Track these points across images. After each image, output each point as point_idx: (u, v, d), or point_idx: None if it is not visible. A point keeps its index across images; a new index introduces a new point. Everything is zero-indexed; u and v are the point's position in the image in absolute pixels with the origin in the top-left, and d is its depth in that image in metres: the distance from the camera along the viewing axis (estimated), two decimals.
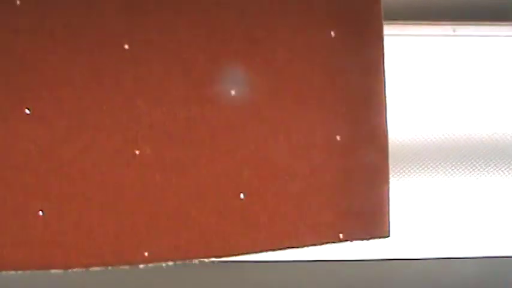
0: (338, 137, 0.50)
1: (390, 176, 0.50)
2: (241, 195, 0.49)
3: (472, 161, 0.63)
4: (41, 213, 0.49)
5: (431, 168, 0.60)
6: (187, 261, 0.49)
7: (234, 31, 0.48)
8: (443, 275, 0.62)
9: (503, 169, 0.64)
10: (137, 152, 0.49)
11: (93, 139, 0.48)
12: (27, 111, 0.48)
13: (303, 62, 0.49)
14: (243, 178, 0.49)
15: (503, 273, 0.65)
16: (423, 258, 0.61)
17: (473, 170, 0.63)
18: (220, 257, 0.49)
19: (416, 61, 0.59)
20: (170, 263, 0.49)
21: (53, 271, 0.48)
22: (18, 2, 0.47)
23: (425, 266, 0.62)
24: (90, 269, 0.48)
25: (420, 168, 0.60)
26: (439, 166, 0.61)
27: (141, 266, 0.49)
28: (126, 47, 0.48)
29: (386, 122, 0.50)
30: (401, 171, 0.58)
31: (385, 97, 0.50)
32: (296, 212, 0.50)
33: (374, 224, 0.50)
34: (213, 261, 0.49)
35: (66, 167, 0.48)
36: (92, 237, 0.49)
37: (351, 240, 0.50)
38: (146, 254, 0.49)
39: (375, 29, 0.49)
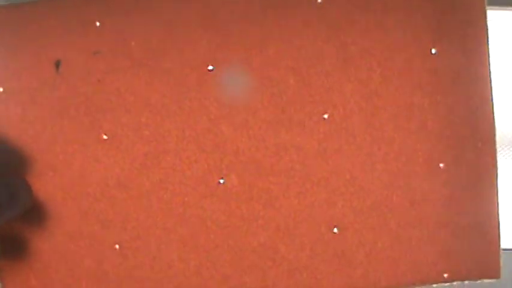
0: (441, 165, 0.45)
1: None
2: (335, 229, 0.45)
3: None
4: (117, 246, 0.45)
5: None
6: None
7: (325, 49, 0.44)
8: None
9: None
10: (222, 181, 0.45)
11: (174, 167, 0.45)
12: (104, 136, 0.45)
13: (402, 82, 0.45)
14: (336, 210, 0.45)
15: None
16: None
17: None
18: None
19: None
20: None
21: None
22: (97, 23, 0.45)
23: None
24: None
25: None
26: None
27: None
28: (210, 67, 0.44)
29: (494, 146, 0.45)
30: None
31: (493, 119, 0.45)
32: (395, 248, 0.45)
33: (483, 263, 0.45)
34: None
35: (145, 197, 0.45)
36: (171, 273, 0.45)
37: (458, 281, 0.45)
38: None
39: (479, 43, 0.45)
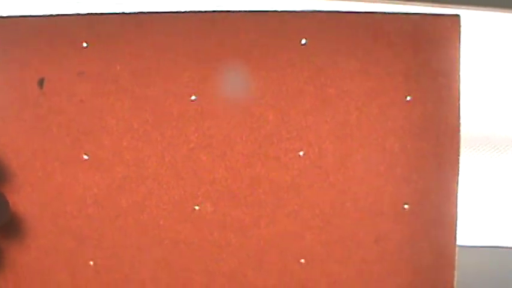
0: (406, 206, 0.47)
1: None
2: (302, 260, 0.47)
3: None
4: (91, 262, 0.47)
5: None
6: None
7: (305, 89, 0.46)
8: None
9: None
10: (197, 208, 0.46)
11: (151, 191, 0.46)
12: (85, 156, 0.46)
13: (376, 127, 0.47)
14: (304, 242, 0.47)
15: None
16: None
17: None
18: None
19: None
20: None
21: None
22: (84, 44, 0.45)
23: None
24: None
25: None
26: None
27: None
28: (193, 98, 0.46)
29: (456, 193, 0.48)
30: None
31: (459, 167, 0.48)
32: (358, 280, 0.48)
33: None
34: None
35: (121, 218, 0.46)
36: None
37: None
38: None
39: (451, 93, 0.47)
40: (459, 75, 0.47)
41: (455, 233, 0.48)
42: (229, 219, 0.47)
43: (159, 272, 0.47)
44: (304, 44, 0.46)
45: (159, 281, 0.47)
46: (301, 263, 0.47)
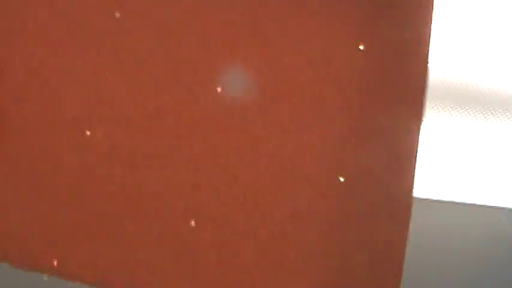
0: (341, 179, 0.36)
1: None
2: (192, 222, 0.36)
3: None
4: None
5: None
6: None
7: (240, 18, 0.38)
8: None
9: None
10: (88, 133, 0.39)
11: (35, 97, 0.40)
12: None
13: (317, 74, 0.37)
14: (200, 199, 0.37)
15: None
16: None
17: None
18: None
19: None
20: None
21: None
22: None
23: None
24: None
25: None
26: None
27: None
28: (117, 15, 0.40)
29: (414, 168, 0.35)
30: None
31: (417, 140, 0.36)
32: (257, 258, 0.35)
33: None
34: None
35: None
36: None
37: None
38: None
39: (419, 48, 0.37)
40: (430, 26, 0.37)
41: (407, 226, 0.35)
42: (119, 151, 0.38)
43: (28, 202, 0.38)
44: None
45: (26, 212, 0.38)
46: (190, 225, 0.37)
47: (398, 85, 0.36)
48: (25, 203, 0.39)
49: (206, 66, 0.38)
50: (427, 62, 0.37)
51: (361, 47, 0.37)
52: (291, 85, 0.37)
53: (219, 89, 0.38)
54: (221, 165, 0.37)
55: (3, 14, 0.41)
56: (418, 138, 0.36)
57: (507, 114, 0.60)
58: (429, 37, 0.37)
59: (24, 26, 0.41)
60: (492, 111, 0.61)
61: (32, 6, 0.41)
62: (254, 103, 0.37)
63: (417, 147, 0.36)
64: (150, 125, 0.38)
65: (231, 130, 0.37)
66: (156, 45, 0.39)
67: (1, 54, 0.41)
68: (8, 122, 0.40)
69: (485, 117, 0.61)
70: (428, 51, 0.37)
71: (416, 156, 0.35)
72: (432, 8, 0.37)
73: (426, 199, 0.59)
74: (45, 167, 0.39)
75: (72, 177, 0.39)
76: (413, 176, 0.36)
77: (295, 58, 0.37)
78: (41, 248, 0.38)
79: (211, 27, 0.39)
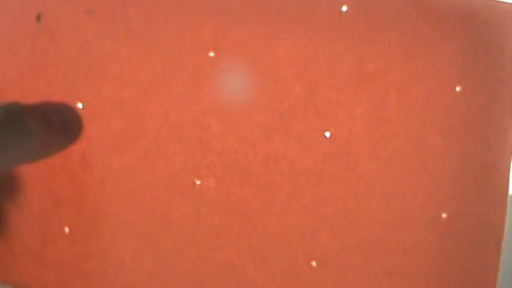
0: (444, 214, 0.40)
1: None
2: (313, 263, 0.39)
3: None
4: (67, 229, 0.39)
5: None
6: None
7: (340, 63, 0.40)
8: None
9: None
10: (198, 182, 0.40)
11: (147, 154, 0.40)
12: (79, 105, 0.40)
13: (417, 115, 0.40)
14: (319, 241, 0.39)
15: None
16: None
17: None
18: None
19: None
20: None
21: None
22: None
23: None
24: None
25: None
26: None
27: None
28: (211, 54, 0.40)
29: (506, 205, 0.40)
30: None
31: (509, 172, 0.40)
32: None
33: None
34: None
35: (108, 180, 0.40)
36: (120, 271, 0.39)
37: None
38: None
39: (508, 89, 0.40)
40: None
41: (499, 258, 0.40)
42: (234, 200, 0.39)
43: (141, 252, 0.39)
44: (345, 11, 0.40)
45: (141, 262, 0.39)
46: (311, 265, 0.39)
47: (494, 124, 0.40)
48: (140, 259, 0.40)
49: (313, 111, 0.40)
50: None
51: (458, 89, 0.40)
52: (397, 129, 0.40)
53: (327, 134, 0.40)
54: (339, 210, 0.39)
55: (99, 59, 0.40)
56: None
57: None
58: None
59: (113, 70, 0.40)
60: None
61: (121, 46, 0.40)
62: (363, 148, 0.40)
63: None
64: (263, 172, 0.39)
65: (343, 175, 0.40)
66: (263, 90, 0.40)
67: (91, 100, 0.40)
68: (105, 173, 0.40)
69: None
70: None
71: None
72: None
73: None
74: (155, 219, 0.40)
75: (187, 227, 0.40)
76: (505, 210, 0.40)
77: (399, 103, 0.40)
78: None
79: (315, 71, 0.40)
